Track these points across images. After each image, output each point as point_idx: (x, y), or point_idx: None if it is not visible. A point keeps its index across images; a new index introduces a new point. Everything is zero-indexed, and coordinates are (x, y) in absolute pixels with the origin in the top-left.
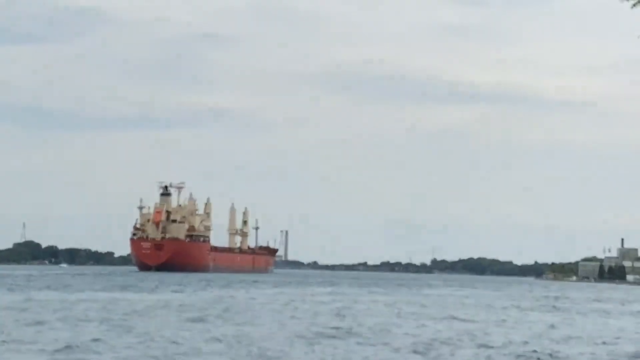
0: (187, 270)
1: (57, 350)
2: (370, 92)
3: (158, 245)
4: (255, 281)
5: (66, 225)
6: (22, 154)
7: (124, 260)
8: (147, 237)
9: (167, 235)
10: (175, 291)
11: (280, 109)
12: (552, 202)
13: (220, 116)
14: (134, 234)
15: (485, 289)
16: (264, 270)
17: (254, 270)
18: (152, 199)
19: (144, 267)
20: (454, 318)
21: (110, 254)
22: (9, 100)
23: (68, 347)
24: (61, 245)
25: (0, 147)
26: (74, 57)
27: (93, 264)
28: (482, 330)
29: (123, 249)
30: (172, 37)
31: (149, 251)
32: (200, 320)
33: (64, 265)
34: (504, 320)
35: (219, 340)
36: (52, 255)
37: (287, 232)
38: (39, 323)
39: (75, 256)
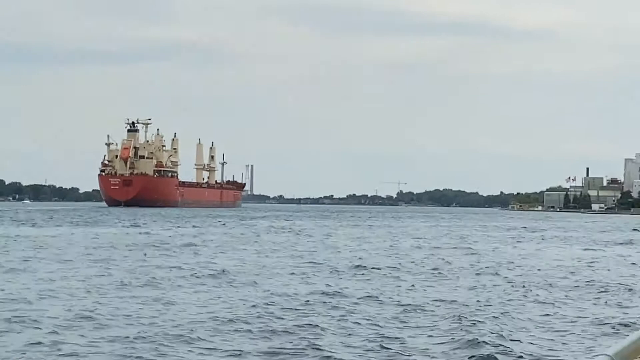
0: (156, 205)
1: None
2: (334, 25)
3: (126, 181)
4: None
5: (30, 161)
6: None
7: (88, 196)
8: (115, 173)
9: (135, 171)
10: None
11: (243, 43)
12: (516, 133)
13: (184, 50)
14: (102, 170)
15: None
16: (232, 204)
17: (221, 204)
18: (119, 135)
19: (113, 202)
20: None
21: (75, 189)
22: None
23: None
24: (25, 182)
25: None
26: None
27: (57, 200)
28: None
29: (87, 184)
30: None
31: (117, 187)
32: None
33: (27, 201)
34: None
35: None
36: (16, 191)
37: (252, 166)
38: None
39: (39, 192)
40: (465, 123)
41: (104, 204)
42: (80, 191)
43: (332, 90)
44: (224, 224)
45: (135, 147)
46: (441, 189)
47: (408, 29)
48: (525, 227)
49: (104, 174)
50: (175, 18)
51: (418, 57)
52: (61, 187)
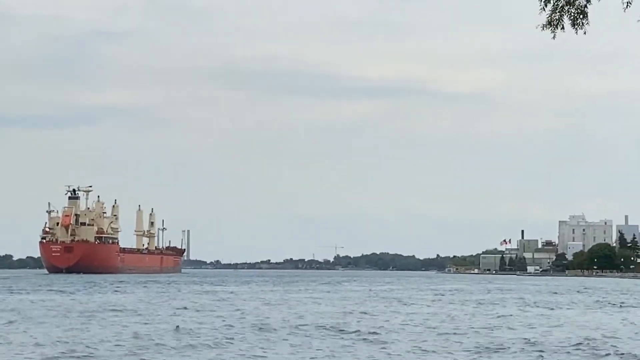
0: (97, 271)
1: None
2: (268, 88)
3: (68, 248)
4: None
5: None
6: None
7: (22, 263)
8: (56, 240)
9: (77, 238)
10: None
11: (177, 106)
12: (452, 195)
13: (118, 114)
14: (43, 237)
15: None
16: (172, 270)
17: (161, 270)
18: (57, 200)
19: (54, 269)
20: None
21: (9, 256)
22: None
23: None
24: None
25: None
26: None
27: None
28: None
29: (22, 251)
30: (66, 35)
31: (59, 254)
32: None
33: None
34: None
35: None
36: None
37: (188, 231)
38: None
39: None
40: (401, 185)
41: (42, 270)
42: (14, 258)
43: (268, 154)
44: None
45: (76, 214)
46: (378, 253)
47: (343, 92)
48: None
49: (45, 240)
50: (107, 82)
51: (353, 119)
52: None
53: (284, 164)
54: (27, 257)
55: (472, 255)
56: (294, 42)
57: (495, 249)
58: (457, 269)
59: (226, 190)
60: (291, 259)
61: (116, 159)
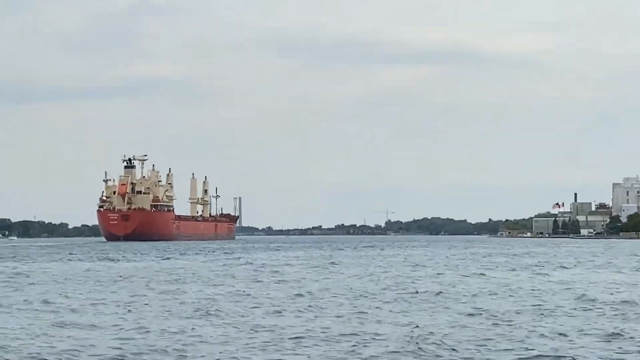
0: (154, 239)
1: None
2: (316, 57)
3: (125, 216)
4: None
5: (19, 197)
6: None
7: (78, 231)
8: (113, 208)
9: (133, 206)
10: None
11: (225, 77)
12: (504, 160)
13: (169, 86)
14: (101, 206)
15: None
16: (226, 236)
17: (216, 237)
18: (112, 171)
19: (112, 237)
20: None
21: (64, 225)
22: None
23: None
24: (14, 218)
25: None
26: (15, 31)
27: (47, 236)
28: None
29: (76, 220)
30: (114, 9)
31: (116, 222)
32: None
33: (14, 237)
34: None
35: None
36: (6, 228)
37: (240, 198)
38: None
39: (28, 228)
40: (451, 152)
41: (97, 238)
42: (70, 227)
43: (319, 122)
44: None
45: (132, 183)
46: (429, 217)
47: (388, 60)
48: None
49: (102, 209)
50: (156, 54)
51: (400, 87)
52: (50, 223)
53: (334, 132)
54: (82, 225)
55: (524, 219)
56: (339, 10)
57: (548, 212)
58: (509, 232)
59: (277, 157)
60: (342, 224)
61: (169, 129)
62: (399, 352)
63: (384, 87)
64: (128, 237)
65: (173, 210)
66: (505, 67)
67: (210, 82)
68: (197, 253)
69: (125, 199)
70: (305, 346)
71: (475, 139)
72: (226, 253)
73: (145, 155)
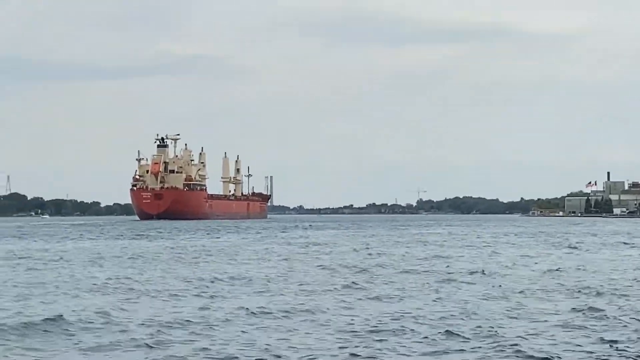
0: (186, 218)
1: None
2: (350, 34)
3: (158, 195)
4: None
5: (51, 176)
6: (2, 105)
7: (109, 210)
8: (146, 187)
9: (166, 185)
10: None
11: (258, 55)
12: (536, 139)
13: (201, 64)
14: (134, 185)
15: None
16: (259, 215)
17: (248, 216)
18: (144, 150)
19: (145, 215)
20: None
21: (96, 204)
22: None
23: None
24: (47, 197)
25: None
26: (54, 6)
27: (79, 215)
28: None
29: (108, 199)
30: None
31: (149, 200)
32: None
33: (46, 216)
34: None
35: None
36: (38, 206)
37: (271, 177)
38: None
39: (61, 207)
40: (484, 130)
41: (130, 217)
42: (102, 205)
43: (349, 101)
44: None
45: (165, 162)
46: (461, 196)
47: (423, 37)
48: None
49: (135, 188)
50: (190, 32)
51: (435, 64)
52: (82, 202)
53: (366, 110)
54: (114, 203)
55: (556, 198)
56: None
57: (581, 191)
58: (541, 211)
59: (308, 136)
60: (374, 203)
61: (201, 107)
62: None
63: (414, 65)
64: (161, 216)
65: (205, 189)
66: (538, 44)
67: (242, 60)
68: (246, 231)
69: (158, 178)
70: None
71: (508, 116)
72: (272, 231)
73: (178, 135)
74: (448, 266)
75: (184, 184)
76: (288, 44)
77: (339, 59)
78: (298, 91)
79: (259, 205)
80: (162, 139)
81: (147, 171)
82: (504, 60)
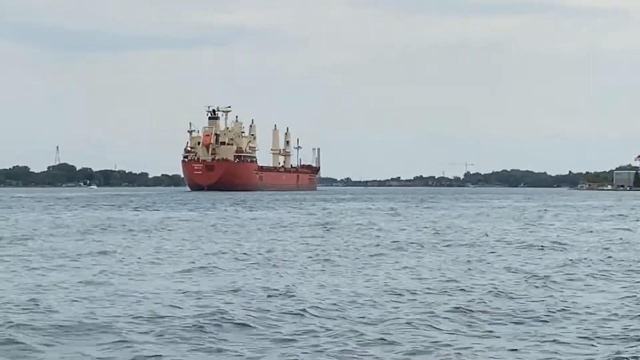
0: (237, 189)
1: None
2: (399, 5)
3: (209, 166)
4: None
5: (100, 147)
6: (52, 76)
7: (157, 181)
8: (198, 159)
9: (217, 157)
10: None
11: (307, 25)
12: (585, 111)
13: (250, 35)
14: (185, 156)
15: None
16: (308, 187)
17: (298, 188)
18: (189, 120)
19: (196, 187)
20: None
21: (144, 175)
22: (33, 22)
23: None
24: (95, 167)
25: (30, 70)
26: None
27: (127, 185)
28: None
29: (156, 170)
30: None
31: (200, 172)
32: None
33: (94, 186)
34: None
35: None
36: (87, 177)
37: (319, 149)
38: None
39: (109, 178)
40: (532, 103)
41: (178, 188)
42: (150, 176)
43: (398, 73)
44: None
45: (216, 134)
46: (509, 169)
47: (473, 10)
48: None
49: (187, 159)
50: (239, 3)
51: (483, 37)
52: (131, 172)
53: (413, 82)
54: (162, 174)
55: (605, 172)
56: None
57: (630, 164)
58: (589, 185)
59: (356, 108)
60: (421, 176)
61: (250, 79)
62: None
63: (466, 37)
64: (212, 187)
65: (256, 161)
66: (591, 17)
67: (291, 31)
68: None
69: (210, 149)
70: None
71: (557, 89)
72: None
73: (229, 107)
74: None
75: (234, 155)
76: (342, 14)
77: (387, 30)
78: (346, 62)
79: (308, 177)
80: (214, 111)
81: (199, 143)
82: (555, 32)
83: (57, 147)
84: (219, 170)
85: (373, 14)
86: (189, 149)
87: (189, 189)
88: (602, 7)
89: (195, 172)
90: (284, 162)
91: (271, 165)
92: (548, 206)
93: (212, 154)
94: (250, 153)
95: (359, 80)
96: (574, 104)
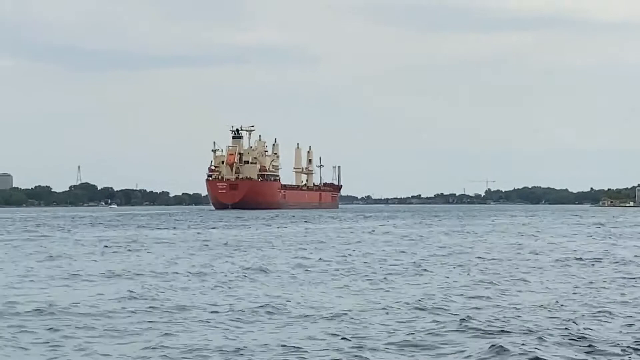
0: (261, 207)
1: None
2: (418, 22)
3: (233, 185)
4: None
5: (121, 166)
6: (73, 95)
7: (178, 200)
8: (222, 177)
9: (241, 176)
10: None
11: (326, 43)
12: (606, 127)
13: (269, 52)
14: (209, 175)
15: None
16: (330, 205)
17: (320, 205)
18: (219, 140)
19: (220, 205)
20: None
21: (165, 193)
22: (54, 41)
23: None
24: (117, 187)
25: (52, 89)
26: None
27: (148, 204)
28: None
29: (177, 188)
30: None
31: (224, 191)
32: None
33: (114, 205)
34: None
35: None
36: (108, 196)
37: (339, 167)
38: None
39: (130, 197)
40: (552, 118)
41: (200, 207)
42: (170, 195)
43: (418, 89)
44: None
45: (240, 153)
46: (530, 186)
47: (489, 24)
48: None
49: (211, 178)
50: (256, 21)
51: (501, 52)
52: (152, 192)
53: (434, 99)
54: (183, 193)
55: (627, 188)
56: None
57: None
58: (611, 202)
59: (376, 125)
60: (442, 193)
61: (270, 96)
62: None
63: (483, 52)
64: (236, 206)
65: (279, 180)
66: (611, 31)
67: (310, 49)
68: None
69: (234, 168)
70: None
71: (578, 104)
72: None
73: (252, 126)
74: None
75: (258, 174)
76: (356, 31)
77: (405, 47)
78: (365, 79)
79: (330, 195)
80: (237, 130)
81: (223, 162)
82: (573, 45)
83: (79, 167)
84: (243, 188)
85: (390, 30)
86: (212, 167)
87: (213, 208)
88: (622, 22)
89: (219, 191)
90: (307, 180)
91: (294, 183)
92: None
93: (236, 172)
94: (273, 172)
95: (377, 97)
96: (595, 119)
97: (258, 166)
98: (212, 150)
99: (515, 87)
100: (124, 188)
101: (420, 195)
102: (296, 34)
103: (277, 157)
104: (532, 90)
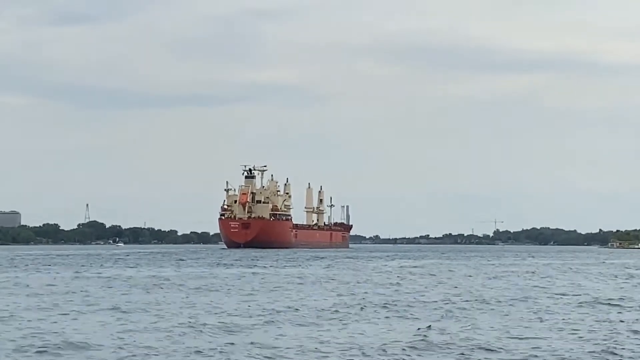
0: (272, 246)
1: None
2: (428, 63)
3: (245, 224)
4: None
5: (129, 204)
6: (83, 134)
7: (186, 239)
8: (234, 216)
9: (253, 215)
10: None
11: (334, 83)
12: (614, 168)
13: (276, 92)
14: (222, 214)
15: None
16: (341, 245)
17: (331, 245)
18: (231, 179)
19: (233, 244)
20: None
21: (173, 232)
22: (65, 79)
23: None
24: (125, 225)
25: (62, 128)
26: (126, 36)
27: (156, 243)
28: None
29: (184, 227)
30: (220, 13)
31: (237, 229)
32: None
33: (120, 244)
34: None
35: None
36: (116, 234)
37: (347, 206)
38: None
39: (138, 235)
40: (561, 159)
41: (210, 245)
42: (179, 233)
43: (427, 129)
44: None
45: (252, 193)
46: (538, 227)
47: (500, 66)
48: None
49: (223, 217)
50: (266, 60)
51: (511, 93)
52: (160, 230)
53: (442, 139)
54: (191, 232)
55: (635, 230)
56: (449, 16)
57: None
58: (620, 243)
59: (383, 165)
60: (450, 234)
61: (281, 135)
62: None
63: (493, 93)
64: (248, 245)
65: (291, 219)
66: (618, 74)
67: (318, 88)
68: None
69: (246, 207)
70: None
71: (586, 145)
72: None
73: (265, 166)
74: None
75: (270, 213)
76: (364, 71)
77: (415, 87)
78: (373, 119)
79: (341, 235)
80: (250, 170)
81: (235, 201)
82: (582, 88)
83: (87, 205)
84: (255, 228)
85: (398, 71)
86: (225, 206)
87: (225, 246)
88: (630, 64)
89: (232, 230)
90: (317, 219)
91: (305, 222)
92: None
93: (248, 212)
94: (285, 211)
95: (385, 138)
96: (603, 160)
97: (270, 206)
98: (225, 190)
99: (524, 128)
100: (132, 226)
101: (428, 235)
102: (307, 74)
103: (289, 196)
104: (541, 131)
